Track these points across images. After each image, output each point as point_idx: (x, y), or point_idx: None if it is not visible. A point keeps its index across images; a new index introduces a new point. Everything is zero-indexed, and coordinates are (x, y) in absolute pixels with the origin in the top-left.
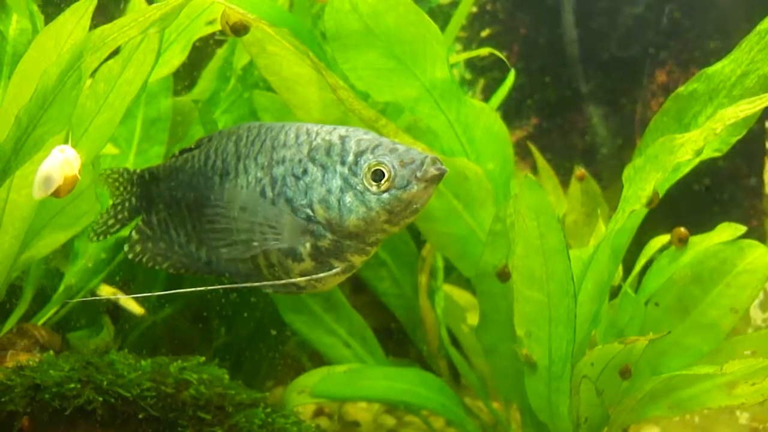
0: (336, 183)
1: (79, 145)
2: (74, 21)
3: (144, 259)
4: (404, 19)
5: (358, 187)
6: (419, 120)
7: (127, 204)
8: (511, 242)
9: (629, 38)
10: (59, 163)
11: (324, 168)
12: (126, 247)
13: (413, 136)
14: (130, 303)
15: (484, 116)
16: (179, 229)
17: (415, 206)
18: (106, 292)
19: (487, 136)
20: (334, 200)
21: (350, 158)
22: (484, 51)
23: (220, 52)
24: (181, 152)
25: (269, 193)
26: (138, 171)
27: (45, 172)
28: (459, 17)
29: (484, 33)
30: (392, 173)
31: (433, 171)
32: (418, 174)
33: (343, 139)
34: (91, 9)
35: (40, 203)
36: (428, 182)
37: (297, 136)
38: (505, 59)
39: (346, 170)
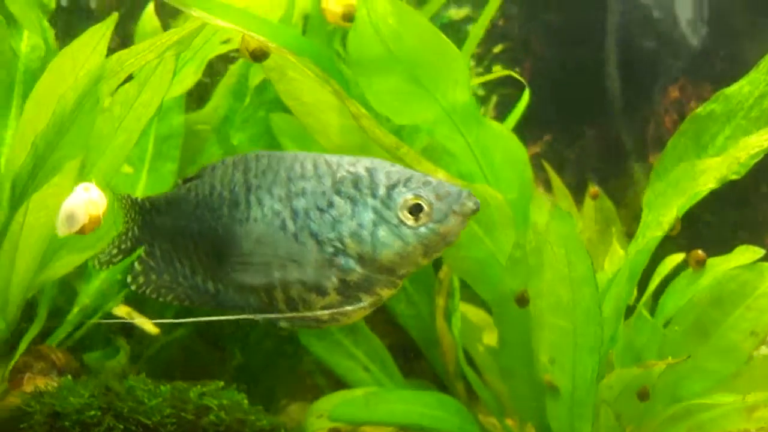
0: (368, 216)
1: (95, 168)
2: (92, 45)
3: (147, 291)
4: (425, 41)
5: (392, 221)
6: (436, 141)
7: (129, 233)
8: (534, 268)
9: (642, 53)
10: (84, 202)
11: (353, 201)
12: (129, 279)
13: (430, 158)
14: (144, 322)
15: (503, 139)
16: (183, 260)
17: (449, 239)
18: (121, 311)
19: (506, 159)
20: (367, 234)
21: (382, 191)
22: (502, 73)
23: (234, 68)
24: (185, 181)
25: (291, 227)
26: (139, 200)
27: (69, 210)
28: (475, 36)
29: (497, 49)
30: (431, 207)
31: (471, 205)
32: (455, 207)
33: (369, 171)
34: (108, 33)
35: None
36: (465, 216)
37: (316, 167)
38: (519, 77)
39: (378, 203)
